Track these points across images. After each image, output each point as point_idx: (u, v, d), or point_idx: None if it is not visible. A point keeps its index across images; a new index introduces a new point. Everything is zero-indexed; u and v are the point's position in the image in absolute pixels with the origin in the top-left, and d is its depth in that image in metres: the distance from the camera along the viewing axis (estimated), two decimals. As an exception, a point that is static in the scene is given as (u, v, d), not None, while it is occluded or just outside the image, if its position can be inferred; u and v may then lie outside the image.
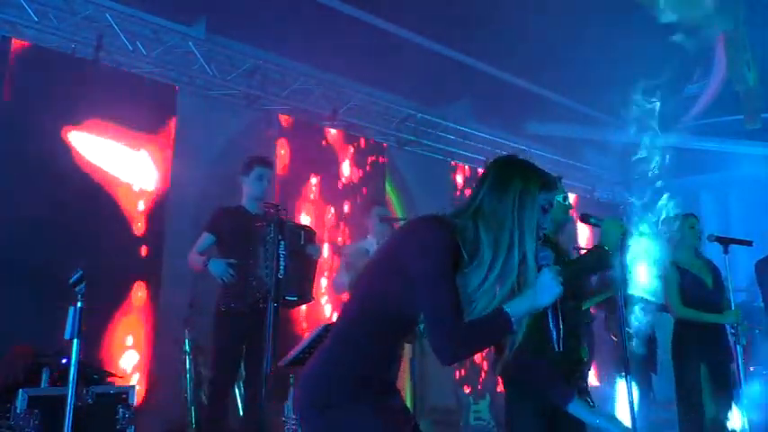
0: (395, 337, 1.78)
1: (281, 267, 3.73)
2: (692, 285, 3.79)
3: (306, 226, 4.30)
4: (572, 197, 3.22)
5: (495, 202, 1.72)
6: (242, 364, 3.97)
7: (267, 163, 4.20)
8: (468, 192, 7.41)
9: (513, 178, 1.75)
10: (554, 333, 1.69)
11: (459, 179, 7.74)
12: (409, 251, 1.69)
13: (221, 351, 3.89)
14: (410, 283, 1.65)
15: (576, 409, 2.01)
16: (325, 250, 5.85)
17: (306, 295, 4.05)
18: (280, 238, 3.81)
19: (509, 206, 1.70)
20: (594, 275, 3.18)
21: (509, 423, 2.87)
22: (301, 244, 4.03)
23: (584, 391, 2.89)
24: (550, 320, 1.70)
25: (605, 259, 2.80)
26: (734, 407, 3.74)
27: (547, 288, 1.65)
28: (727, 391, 3.71)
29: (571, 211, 3.15)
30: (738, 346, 3.71)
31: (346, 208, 6.46)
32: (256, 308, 3.80)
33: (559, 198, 3.00)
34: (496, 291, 1.68)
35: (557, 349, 1.70)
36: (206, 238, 4.02)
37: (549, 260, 1.70)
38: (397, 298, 1.69)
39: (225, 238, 4.01)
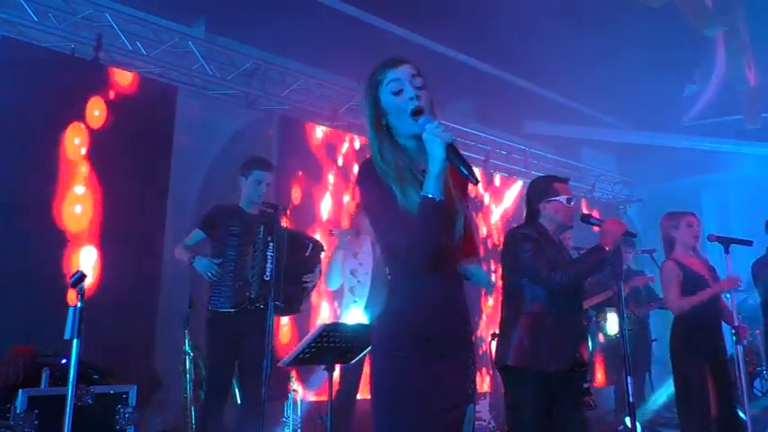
0: (413, 271, 1.73)
1: (268, 270, 3.64)
2: (692, 283, 3.76)
3: (314, 239, 4.16)
4: (576, 199, 3.21)
5: (364, 115, 1.81)
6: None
7: (266, 166, 4.03)
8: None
9: (367, 84, 1.80)
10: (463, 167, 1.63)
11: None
12: (359, 198, 1.78)
13: (212, 352, 3.81)
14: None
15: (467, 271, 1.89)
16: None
17: (294, 306, 3.95)
18: (269, 239, 3.73)
19: (368, 109, 1.78)
20: (593, 275, 3.18)
21: (509, 409, 2.88)
22: (306, 255, 3.92)
23: (586, 392, 2.90)
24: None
25: (604, 259, 2.81)
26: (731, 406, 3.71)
27: (433, 140, 1.63)
28: (728, 389, 3.68)
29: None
30: (739, 346, 3.69)
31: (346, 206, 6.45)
32: (243, 309, 3.73)
33: (562, 200, 3.00)
34: (404, 179, 1.70)
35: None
36: (195, 234, 3.94)
37: (428, 120, 1.67)
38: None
39: (217, 237, 3.89)
